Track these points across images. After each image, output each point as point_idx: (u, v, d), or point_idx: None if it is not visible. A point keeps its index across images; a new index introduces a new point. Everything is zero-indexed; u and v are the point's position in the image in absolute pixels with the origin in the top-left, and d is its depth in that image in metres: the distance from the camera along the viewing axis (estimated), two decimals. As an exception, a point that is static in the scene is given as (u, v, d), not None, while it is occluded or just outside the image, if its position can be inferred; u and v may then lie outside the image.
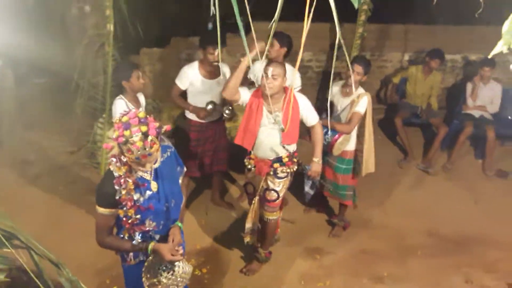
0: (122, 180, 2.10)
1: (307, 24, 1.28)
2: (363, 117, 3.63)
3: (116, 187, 2.10)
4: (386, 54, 6.19)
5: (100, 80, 4.53)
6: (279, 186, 3.31)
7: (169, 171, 2.32)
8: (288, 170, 3.28)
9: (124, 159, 2.10)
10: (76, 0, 4.69)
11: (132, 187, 2.12)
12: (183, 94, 3.91)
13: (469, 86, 5.24)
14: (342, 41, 1.22)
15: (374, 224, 4.23)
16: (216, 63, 3.71)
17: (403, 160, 5.30)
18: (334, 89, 3.84)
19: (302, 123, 3.26)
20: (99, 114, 4.67)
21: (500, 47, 1.10)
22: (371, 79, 5.77)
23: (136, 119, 2.03)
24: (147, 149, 2.02)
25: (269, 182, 3.31)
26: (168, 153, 2.35)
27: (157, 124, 2.07)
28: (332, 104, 3.85)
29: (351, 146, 3.72)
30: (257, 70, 3.55)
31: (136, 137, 1.99)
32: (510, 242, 3.95)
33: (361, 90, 3.65)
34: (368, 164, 3.82)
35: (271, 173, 3.28)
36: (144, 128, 2.02)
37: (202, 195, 4.51)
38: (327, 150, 3.67)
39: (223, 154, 4.11)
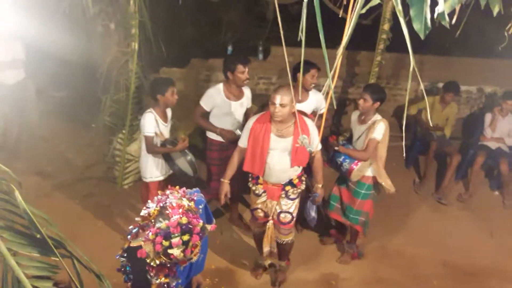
0: (154, 272, 1.97)
1: (340, 53, 1.32)
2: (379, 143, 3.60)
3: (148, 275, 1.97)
4: (402, 83, 6.27)
5: (122, 96, 4.61)
6: (292, 207, 3.34)
7: None
8: (299, 190, 3.33)
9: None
10: (101, 17, 4.80)
11: (164, 280, 2.00)
12: (205, 115, 3.96)
13: (488, 117, 5.26)
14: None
15: (390, 252, 4.19)
16: (246, 81, 3.78)
17: (418, 184, 5.32)
18: (353, 118, 3.87)
19: None
20: (118, 129, 4.73)
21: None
22: (386, 106, 5.84)
23: (177, 228, 1.81)
24: (187, 257, 1.86)
25: (282, 205, 3.32)
26: (200, 211, 2.13)
27: (200, 226, 1.86)
28: (351, 133, 3.90)
29: (370, 171, 3.72)
30: None
31: (177, 250, 1.80)
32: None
33: (377, 116, 3.65)
34: (387, 184, 3.71)
35: (283, 195, 3.30)
36: (186, 237, 1.82)
37: (215, 214, 4.50)
38: (346, 176, 3.69)
39: (234, 175, 4.12)
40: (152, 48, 4.59)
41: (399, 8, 1.13)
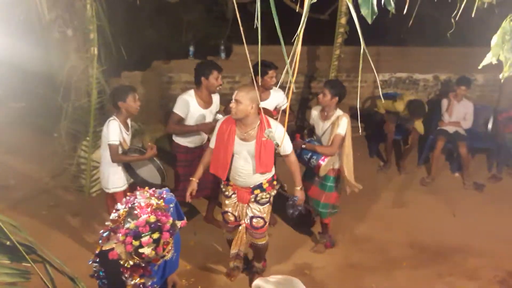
0: (128, 273, 1.95)
1: (296, 47, 1.37)
2: (344, 138, 3.69)
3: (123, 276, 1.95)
4: (362, 75, 6.44)
5: (84, 103, 4.53)
6: (263, 212, 3.31)
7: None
8: (269, 195, 3.30)
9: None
10: (58, 24, 4.70)
11: (140, 281, 1.98)
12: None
13: (444, 103, 5.49)
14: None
15: (360, 238, 4.33)
16: (219, 88, 3.82)
17: (382, 167, 5.60)
18: (313, 113, 3.94)
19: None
20: (82, 137, 4.65)
21: (489, 59, 1.23)
22: (347, 99, 5.98)
23: (146, 227, 1.81)
24: (159, 255, 1.86)
25: (253, 210, 3.29)
26: (171, 209, 2.12)
27: (169, 223, 1.86)
28: (313, 127, 3.98)
29: (337, 164, 3.82)
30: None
31: (148, 248, 1.80)
32: (489, 249, 4.13)
33: (339, 112, 3.72)
34: (353, 180, 3.84)
35: (252, 199, 3.27)
36: (156, 235, 1.82)
37: (190, 215, 4.51)
38: (314, 171, 3.78)
39: (210, 176, 4.13)
40: (112, 52, 4.53)
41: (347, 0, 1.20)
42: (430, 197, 5.09)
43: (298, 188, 3.39)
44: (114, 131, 3.40)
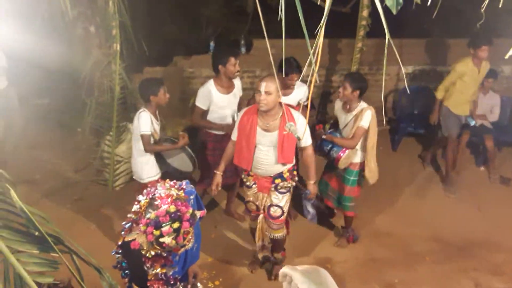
0: (150, 263, 1.99)
1: (318, 41, 1.36)
2: (367, 131, 3.65)
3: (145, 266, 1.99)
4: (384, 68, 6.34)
5: (106, 98, 4.60)
6: (282, 201, 3.32)
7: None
8: (289, 185, 3.31)
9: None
10: (81, 20, 4.78)
11: (161, 270, 2.01)
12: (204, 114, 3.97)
13: None
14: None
15: (381, 233, 4.28)
16: (237, 73, 3.84)
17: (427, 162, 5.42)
18: (337, 105, 3.92)
19: None
20: (105, 131, 4.73)
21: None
22: (370, 92, 5.92)
23: (166, 217, 1.85)
24: (180, 244, 1.89)
25: (272, 199, 3.31)
26: (191, 201, 2.15)
27: (189, 213, 1.89)
28: (336, 120, 3.95)
29: (358, 158, 3.78)
30: None
31: (168, 238, 1.83)
32: (513, 245, 4.04)
33: (363, 104, 3.68)
34: (372, 174, 3.83)
35: (273, 189, 3.29)
36: (176, 225, 1.85)
37: (211, 207, 4.54)
38: (334, 164, 3.74)
39: (229, 166, 4.16)
40: (134, 48, 4.59)
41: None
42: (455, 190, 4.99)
43: (311, 182, 3.39)
44: (146, 122, 3.48)
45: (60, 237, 1.40)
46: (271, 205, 3.33)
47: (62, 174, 5.05)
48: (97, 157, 4.83)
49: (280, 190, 3.29)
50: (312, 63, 1.28)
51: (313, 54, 1.32)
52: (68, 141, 5.48)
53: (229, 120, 3.99)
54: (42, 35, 4.47)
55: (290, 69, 3.76)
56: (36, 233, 1.35)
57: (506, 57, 1.47)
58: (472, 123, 4.98)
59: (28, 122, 5.50)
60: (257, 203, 3.41)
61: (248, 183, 3.38)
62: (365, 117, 3.59)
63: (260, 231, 3.50)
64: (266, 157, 3.19)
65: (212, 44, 5.96)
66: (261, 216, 3.43)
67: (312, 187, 3.40)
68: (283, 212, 3.35)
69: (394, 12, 1.20)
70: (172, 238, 1.83)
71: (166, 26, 6.60)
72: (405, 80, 6.50)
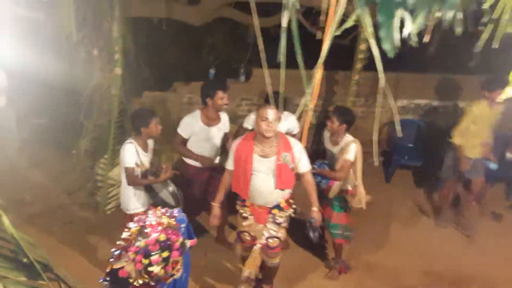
0: None
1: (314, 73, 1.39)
2: (353, 163, 3.67)
3: None
4: (379, 101, 6.41)
5: (104, 121, 4.61)
6: (280, 231, 3.31)
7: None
8: (286, 214, 3.31)
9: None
10: (84, 44, 4.84)
11: None
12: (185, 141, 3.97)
13: None
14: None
15: (373, 264, 4.25)
16: (225, 106, 3.84)
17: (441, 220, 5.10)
18: (325, 136, 3.97)
19: None
20: (101, 154, 4.72)
21: (510, 93, 1.22)
22: (365, 124, 5.98)
23: (156, 245, 1.85)
24: (169, 273, 1.88)
25: (270, 230, 3.30)
26: (182, 229, 2.16)
27: (179, 243, 1.89)
28: (325, 151, 3.98)
29: (346, 186, 3.79)
30: (252, 119, 3.64)
31: (157, 267, 1.83)
32: (504, 279, 4.04)
33: (349, 137, 3.73)
34: (358, 199, 3.77)
35: (270, 219, 3.27)
36: (165, 254, 1.86)
37: (200, 235, 4.48)
38: (324, 193, 3.77)
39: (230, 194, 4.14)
40: (134, 73, 4.64)
41: (369, 30, 1.21)
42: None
43: (315, 208, 3.34)
44: (130, 154, 3.42)
45: (49, 263, 1.38)
46: (269, 237, 3.30)
47: (53, 195, 5.01)
48: (90, 179, 4.80)
49: (277, 221, 3.27)
50: (306, 97, 1.30)
51: (310, 87, 1.34)
52: (63, 162, 5.45)
53: (207, 154, 3.95)
54: (46, 56, 4.52)
55: (216, 86, 3.86)
56: (25, 260, 1.33)
57: (501, 100, 1.51)
58: (494, 166, 4.79)
59: (24, 142, 5.50)
60: (252, 234, 3.36)
61: (244, 214, 3.34)
62: (351, 150, 3.63)
63: (251, 261, 3.42)
64: (264, 184, 3.17)
65: (212, 71, 6.03)
66: (257, 246, 3.36)
67: (316, 213, 3.34)
68: (281, 241, 3.35)
69: (391, 56, 1.23)
70: (161, 268, 1.82)
71: (169, 52, 6.70)
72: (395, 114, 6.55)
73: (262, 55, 1.46)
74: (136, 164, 3.45)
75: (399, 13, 1.21)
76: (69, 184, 5.16)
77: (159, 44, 6.35)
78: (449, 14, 1.17)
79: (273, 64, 1.51)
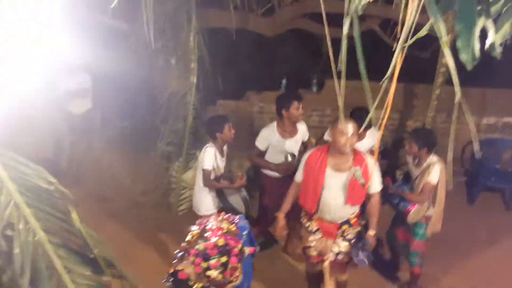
0: None
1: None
2: (436, 186, 3.45)
3: None
4: (463, 117, 6.00)
5: (179, 127, 4.80)
6: (349, 248, 3.20)
7: (245, 260, 2.19)
8: (356, 230, 3.20)
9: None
10: (163, 52, 5.09)
11: None
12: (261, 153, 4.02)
13: None
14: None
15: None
16: (301, 117, 3.82)
17: None
18: (408, 158, 3.76)
19: None
20: (175, 158, 4.91)
21: None
22: (445, 141, 5.61)
23: (214, 250, 1.87)
24: (226, 279, 1.89)
25: (340, 246, 3.19)
26: (244, 237, 2.17)
27: (238, 249, 1.91)
28: (408, 172, 3.78)
29: (429, 211, 3.57)
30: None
31: (215, 271, 1.84)
32: None
33: (433, 158, 3.49)
34: (435, 223, 3.58)
35: (340, 235, 3.18)
36: (224, 259, 1.88)
37: (269, 244, 4.45)
38: (403, 217, 3.58)
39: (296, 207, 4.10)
40: (209, 81, 4.78)
41: (444, 39, 1.12)
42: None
43: (372, 233, 3.18)
44: (210, 158, 3.57)
45: (113, 260, 1.44)
46: (339, 253, 3.21)
47: (130, 194, 5.28)
48: (164, 181, 5.01)
49: (347, 237, 3.18)
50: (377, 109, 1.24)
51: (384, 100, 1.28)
52: (141, 163, 5.74)
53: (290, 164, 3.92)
54: (128, 63, 4.82)
55: (290, 96, 3.81)
56: (91, 255, 1.40)
57: None
58: None
59: (108, 143, 5.88)
60: (320, 248, 3.26)
61: (310, 228, 3.25)
62: (433, 172, 3.41)
63: (327, 279, 3.31)
64: (334, 200, 3.08)
65: (284, 81, 6.04)
66: (327, 262, 3.25)
67: (372, 238, 3.18)
68: (350, 258, 3.24)
69: (469, 67, 1.13)
70: (219, 272, 1.83)
71: (243, 62, 6.84)
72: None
73: (333, 66, 1.42)
74: (213, 167, 3.57)
75: (481, 21, 1.11)
76: (145, 184, 5.43)
77: (234, 54, 6.50)
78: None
79: (349, 75, 1.47)
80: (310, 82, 6.07)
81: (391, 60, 1.65)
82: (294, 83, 6.13)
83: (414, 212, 3.48)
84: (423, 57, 5.97)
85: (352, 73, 1.43)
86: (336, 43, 1.38)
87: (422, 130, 3.95)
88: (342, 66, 1.17)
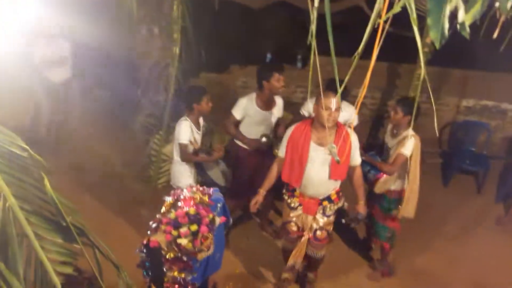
0: (168, 265, 2.01)
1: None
2: (409, 159, 3.46)
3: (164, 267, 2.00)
4: (443, 98, 6.08)
5: (160, 99, 4.74)
6: (328, 224, 3.27)
7: (218, 231, 2.22)
8: (336, 207, 3.25)
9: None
10: (146, 21, 4.97)
11: (179, 275, 2.02)
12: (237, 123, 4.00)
13: None
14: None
15: (418, 271, 4.06)
16: (281, 89, 3.79)
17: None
18: (388, 128, 3.81)
19: None
20: (156, 130, 4.87)
21: None
22: (426, 122, 5.69)
23: (185, 218, 1.88)
24: (197, 248, 1.91)
25: (319, 222, 3.25)
26: (218, 208, 2.19)
27: (209, 218, 1.92)
28: (383, 142, 3.82)
29: (396, 185, 3.61)
30: (311, 106, 3.58)
31: (185, 239, 1.86)
32: None
33: (409, 131, 3.49)
34: (408, 207, 3.61)
35: (320, 211, 3.22)
36: (194, 227, 1.89)
37: (244, 219, 4.52)
38: (369, 187, 3.64)
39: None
40: (192, 53, 4.71)
41: (413, 16, 1.12)
42: (503, 237, 4.62)
43: (362, 202, 3.26)
44: (185, 131, 3.52)
45: (85, 230, 1.44)
46: (317, 229, 3.26)
47: (109, 166, 5.24)
48: (144, 154, 4.98)
49: (327, 213, 3.23)
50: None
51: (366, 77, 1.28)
52: (120, 135, 5.68)
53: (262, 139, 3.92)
54: (109, 31, 4.70)
55: (272, 67, 3.79)
56: (63, 223, 1.39)
57: None
58: None
59: (86, 113, 5.78)
60: (299, 224, 3.32)
61: (292, 204, 3.29)
62: (407, 144, 3.42)
63: (298, 252, 3.38)
64: (318, 173, 3.10)
65: (269, 55, 6.00)
66: (305, 237, 3.31)
67: (363, 208, 3.27)
68: (328, 234, 3.31)
69: (437, 46, 1.14)
70: (189, 241, 1.86)
71: (227, 35, 6.73)
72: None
73: (314, 42, 1.41)
74: (190, 141, 3.54)
75: (453, 0, 1.11)
76: (125, 156, 5.38)
77: (218, 26, 6.39)
78: (509, 3, 1.06)
79: (336, 52, 1.46)
80: (295, 58, 6.04)
81: (373, 36, 1.64)
82: (279, 58, 6.08)
83: (381, 182, 3.54)
84: (408, 36, 5.98)
85: (339, 49, 1.42)
86: (321, 18, 1.36)
87: (410, 99, 3.99)
88: (313, 41, 1.16)
